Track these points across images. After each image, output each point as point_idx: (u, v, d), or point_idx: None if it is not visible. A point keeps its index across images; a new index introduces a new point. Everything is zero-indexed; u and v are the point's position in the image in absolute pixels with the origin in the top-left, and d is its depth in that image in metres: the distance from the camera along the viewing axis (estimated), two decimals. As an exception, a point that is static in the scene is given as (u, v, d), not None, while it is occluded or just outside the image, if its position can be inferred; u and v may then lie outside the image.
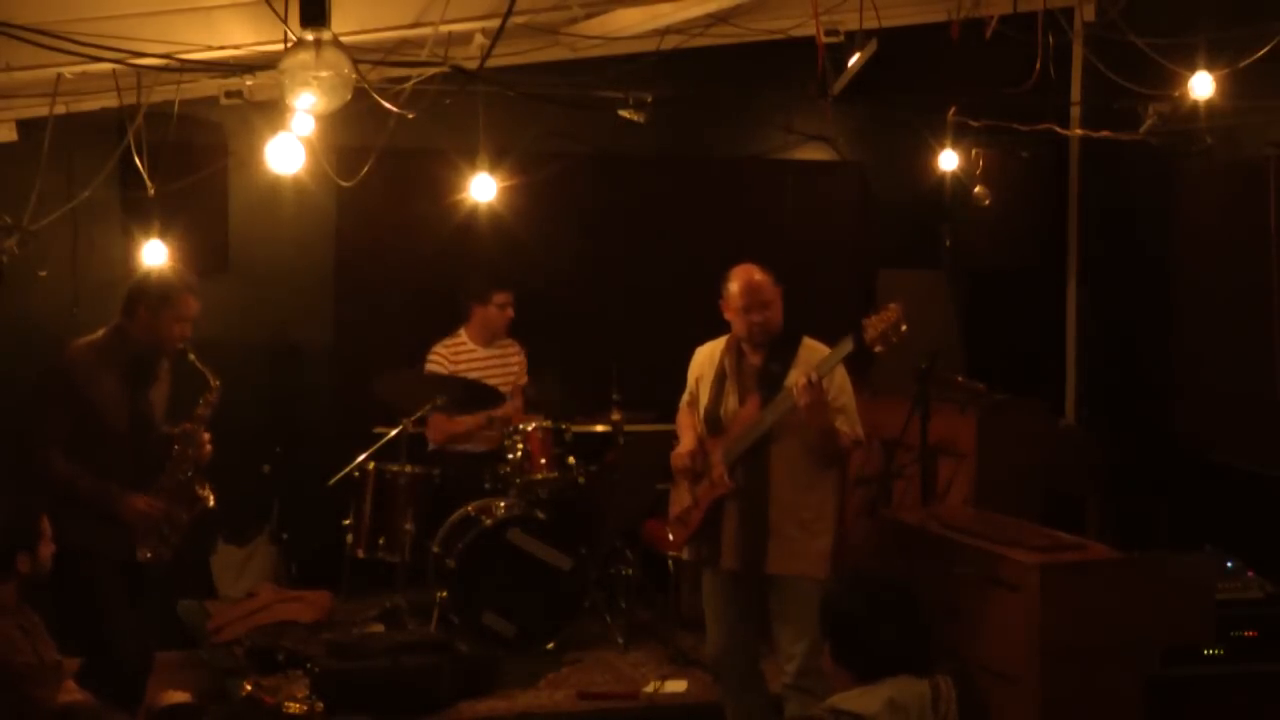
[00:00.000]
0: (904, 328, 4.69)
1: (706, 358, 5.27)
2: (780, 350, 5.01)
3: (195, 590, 7.04)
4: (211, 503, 5.26)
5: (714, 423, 5.16)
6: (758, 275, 5.05)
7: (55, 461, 4.88)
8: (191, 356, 5.18)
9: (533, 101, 6.69)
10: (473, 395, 6.80)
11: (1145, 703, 4.92)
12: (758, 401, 5.02)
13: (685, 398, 5.37)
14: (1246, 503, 6.57)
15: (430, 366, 7.07)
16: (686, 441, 5.29)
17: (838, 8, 5.91)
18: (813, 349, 5.03)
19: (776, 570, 5.01)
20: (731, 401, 5.12)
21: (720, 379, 5.17)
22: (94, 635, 4.86)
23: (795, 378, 4.85)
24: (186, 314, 5.13)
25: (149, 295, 5.11)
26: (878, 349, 4.78)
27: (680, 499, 5.30)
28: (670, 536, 5.42)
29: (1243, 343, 6.75)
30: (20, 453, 4.96)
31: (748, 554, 5.04)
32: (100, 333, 5.14)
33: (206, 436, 5.22)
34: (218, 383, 5.24)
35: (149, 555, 5.07)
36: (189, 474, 5.18)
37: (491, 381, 6.96)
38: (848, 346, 4.79)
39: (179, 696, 4.78)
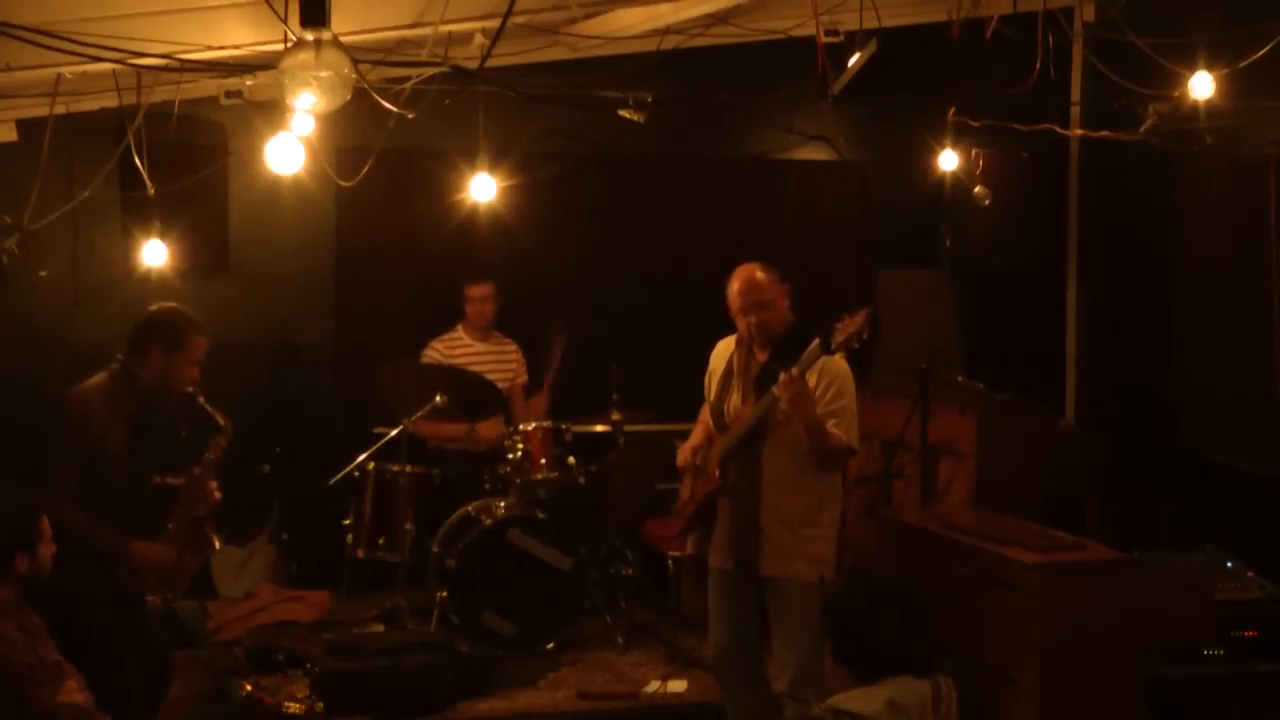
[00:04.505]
0: (865, 335, 4.69)
1: (721, 353, 5.26)
2: (786, 350, 4.94)
3: (195, 590, 7.01)
4: (218, 546, 5.13)
5: (719, 419, 5.17)
6: (758, 275, 5.02)
7: (69, 515, 4.63)
8: (200, 400, 4.94)
9: (533, 101, 6.69)
10: (472, 391, 6.79)
11: (1145, 703, 4.92)
12: (756, 400, 5.02)
13: (705, 393, 5.38)
14: (1246, 503, 6.57)
15: (427, 361, 7.09)
16: (694, 436, 5.30)
17: (838, 8, 5.90)
18: (814, 352, 4.91)
19: (769, 572, 5.00)
20: (735, 398, 5.12)
21: (728, 376, 5.17)
22: (102, 678, 4.63)
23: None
24: (198, 356, 4.91)
25: (163, 336, 4.84)
26: (839, 354, 4.80)
27: (683, 492, 5.32)
28: (672, 528, 5.47)
29: (1243, 343, 6.75)
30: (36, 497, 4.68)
31: (740, 554, 5.04)
32: (104, 376, 4.87)
33: (214, 485, 5.01)
34: (227, 424, 5.01)
35: (158, 601, 4.96)
36: (199, 519, 5.01)
37: (488, 377, 6.96)
38: (818, 349, 4.76)
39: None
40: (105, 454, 4.73)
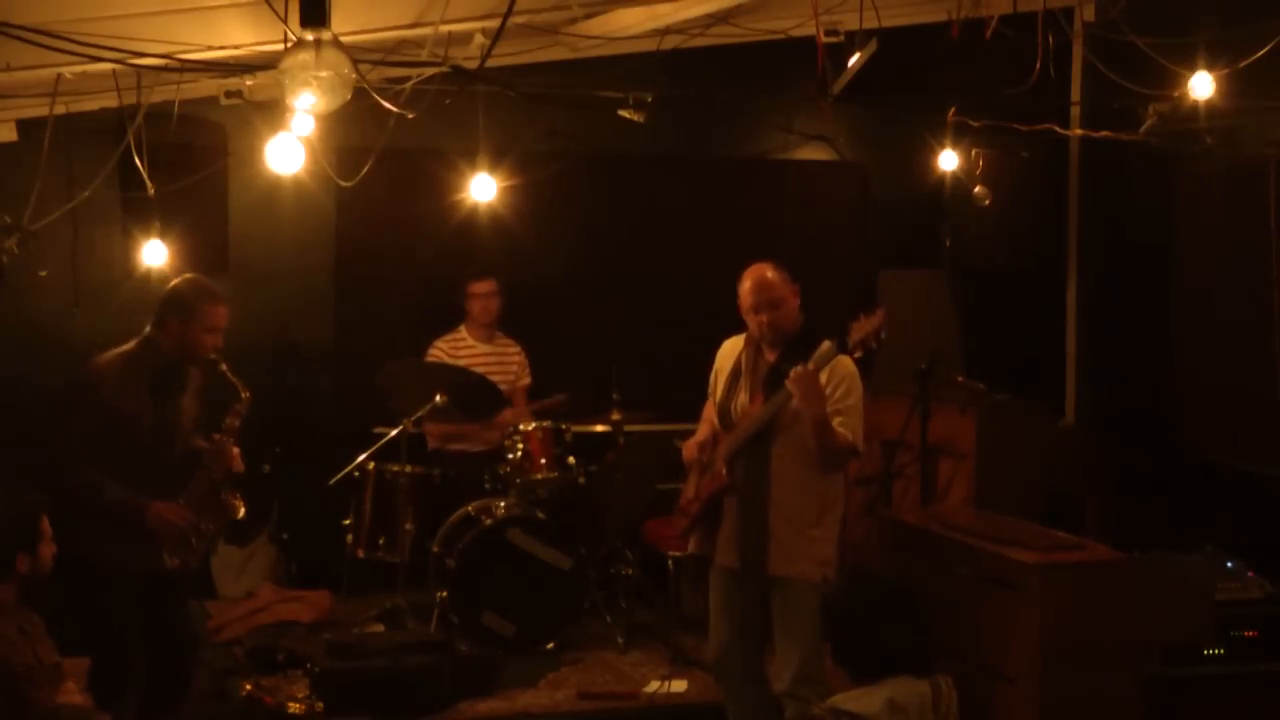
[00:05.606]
0: (883, 335, 4.72)
1: (729, 352, 5.25)
2: (795, 349, 4.94)
3: (195, 590, 7.00)
4: (241, 513, 5.17)
5: (725, 417, 5.16)
6: (769, 274, 5.02)
7: (80, 471, 4.76)
8: (223, 367, 5.07)
9: (533, 101, 6.69)
10: (473, 391, 6.79)
11: (1145, 703, 4.92)
12: (764, 399, 5.03)
13: (709, 390, 5.37)
14: (1246, 503, 6.57)
15: (430, 361, 7.09)
16: (699, 433, 5.30)
17: (838, 8, 5.91)
18: (829, 351, 4.90)
19: (775, 571, 5.00)
20: (743, 397, 5.11)
21: (736, 374, 5.17)
22: (103, 643, 4.79)
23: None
24: (217, 324, 5.03)
25: (177, 307, 4.98)
26: (857, 354, 4.81)
27: (688, 490, 5.32)
28: (675, 526, 5.46)
29: (1243, 343, 6.75)
30: (43, 464, 4.83)
31: (747, 553, 5.03)
32: (130, 345, 5.01)
33: (236, 450, 5.12)
34: (248, 394, 5.14)
35: (176, 563, 4.98)
36: (218, 484, 5.08)
37: (490, 379, 6.96)
38: (831, 349, 4.78)
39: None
40: (122, 417, 4.83)
